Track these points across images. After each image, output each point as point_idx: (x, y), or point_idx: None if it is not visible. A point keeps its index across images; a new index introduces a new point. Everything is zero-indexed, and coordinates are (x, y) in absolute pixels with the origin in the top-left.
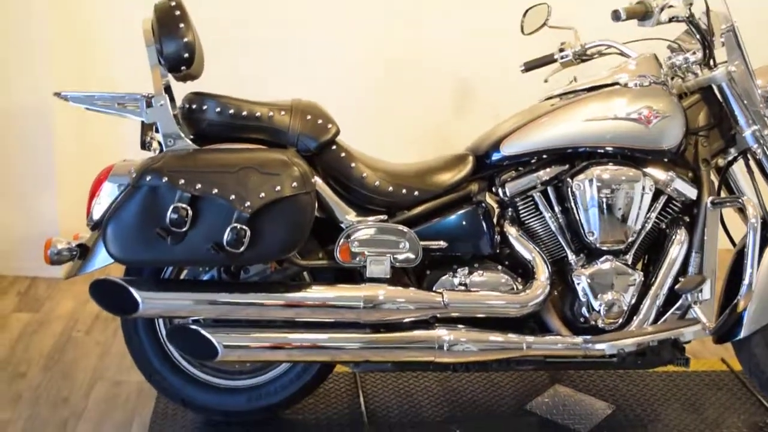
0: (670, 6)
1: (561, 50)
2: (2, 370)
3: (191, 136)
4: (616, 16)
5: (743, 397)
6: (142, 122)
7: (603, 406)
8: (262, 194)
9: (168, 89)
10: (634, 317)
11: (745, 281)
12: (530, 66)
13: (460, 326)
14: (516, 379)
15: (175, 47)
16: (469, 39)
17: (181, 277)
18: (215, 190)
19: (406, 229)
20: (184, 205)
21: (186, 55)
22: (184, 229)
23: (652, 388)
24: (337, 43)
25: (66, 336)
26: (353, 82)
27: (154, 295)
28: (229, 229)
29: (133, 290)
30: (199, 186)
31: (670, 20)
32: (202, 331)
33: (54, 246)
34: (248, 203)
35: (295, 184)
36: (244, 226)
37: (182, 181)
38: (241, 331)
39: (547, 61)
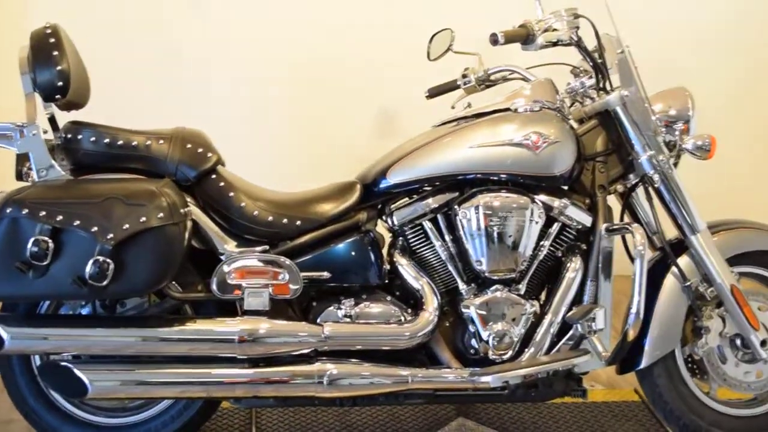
0: (554, 29)
1: (464, 76)
2: None
3: (71, 167)
4: (494, 40)
5: (651, 428)
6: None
7: None
8: (126, 226)
9: (52, 119)
10: (527, 348)
11: (633, 309)
12: (434, 92)
13: (343, 360)
14: (419, 412)
15: (48, 75)
16: (389, 60)
17: (60, 311)
18: (77, 222)
19: (285, 259)
20: (44, 238)
21: (60, 83)
22: (45, 263)
23: (558, 420)
24: (245, 67)
25: None
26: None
27: (21, 331)
28: (91, 262)
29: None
30: (60, 218)
31: (555, 44)
32: (73, 368)
33: None
34: (111, 235)
35: (161, 214)
36: (107, 259)
37: (43, 213)
38: (114, 367)
39: (450, 87)
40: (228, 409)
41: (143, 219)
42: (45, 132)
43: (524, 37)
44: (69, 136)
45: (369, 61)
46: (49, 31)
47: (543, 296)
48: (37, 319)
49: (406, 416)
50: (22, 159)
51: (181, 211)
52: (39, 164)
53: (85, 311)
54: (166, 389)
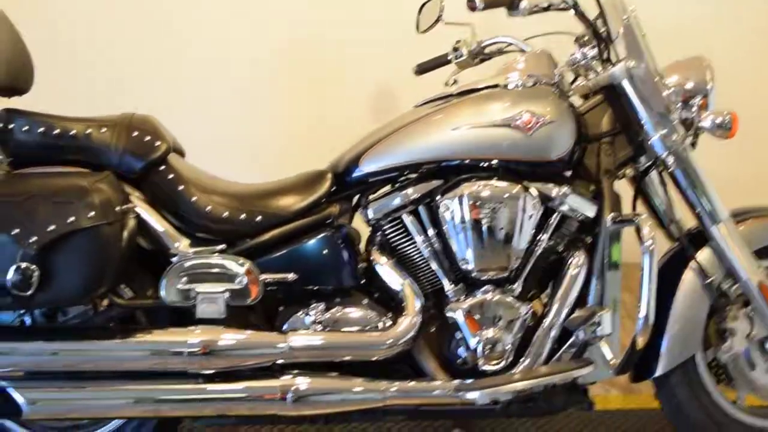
0: None
1: (455, 49)
2: None
3: (9, 160)
4: (472, 6)
5: None
6: None
7: None
8: (52, 227)
9: None
10: (522, 358)
11: (641, 314)
12: (423, 68)
13: (312, 373)
14: (414, 425)
15: None
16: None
17: None
18: None
19: (242, 260)
20: None
21: None
22: None
23: (567, 431)
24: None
25: None
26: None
27: None
28: (13, 268)
29: None
30: None
31: (547, 8)
32: (5, 386)
33: None
34: (34, 238)
35: (92, 213)
36: (31, 265)
37: None
38: (51, 384)
39: (440, 62)
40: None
41: (71, 219)
42: None
43: (509, 1)
44: (1, 125)
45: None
46: None
47: (543, 297)
48: None
49: (397, 427)
50: None
51: (117, 208)
52: None
53: (25, 320)
54: (110, 409)
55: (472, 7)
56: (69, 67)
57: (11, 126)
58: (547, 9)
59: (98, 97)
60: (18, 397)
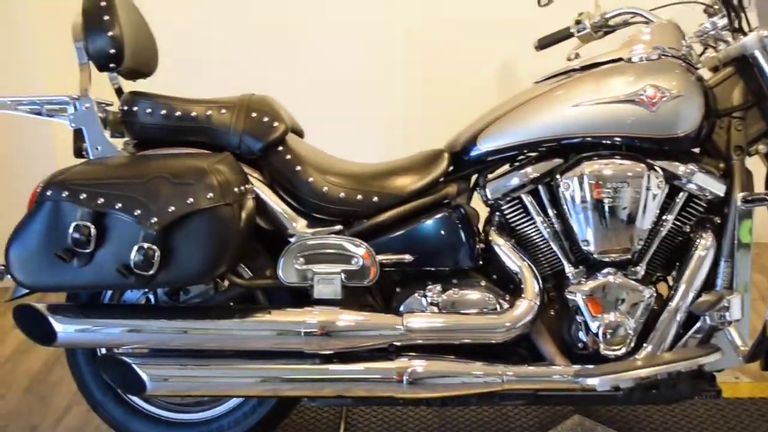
0: None
1: (578, 22)
2: None
3: (134, 142)
4: None
5: None
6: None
7: None
8: (172, 208)
9: (119, 90)
10: (645, 343)
11: None
12: (544, 43)
13: (428, 355)
14: (532, 410)
15: (100, 43)
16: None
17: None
18: (118, 205)
19: (358, 242)
20: (86, 223)
21: (112, 51)
22: (88, 250)
23: (692, 419)
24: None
25: (55, 357)
26: (372, 65)
27: (75, 323)
28: (136, 248)
29: (51, 318)
30: (101, 200)
31: None
32: (131, 363)
33: None
34: (155, 219)
35: (211, 194)
36: (152, 245)
37: (84, 196)
38: (174, 362)
39: (563, 36)
40: None
41: (191, 200)
42: (110, 104)
43: None
44: (126, 108)
45: (476, 16)
46: None
47: (669, 280)
48: (93, 309)
49: (515, 412)
50: (79, 135)
51: (236, 189)
52: (92, 140)
53: (149, 298)
54: (231, 388)
55: None
56: (193, 50)
57: (135, 108)
58: None
59: (222, 78)
60: (142, 374)
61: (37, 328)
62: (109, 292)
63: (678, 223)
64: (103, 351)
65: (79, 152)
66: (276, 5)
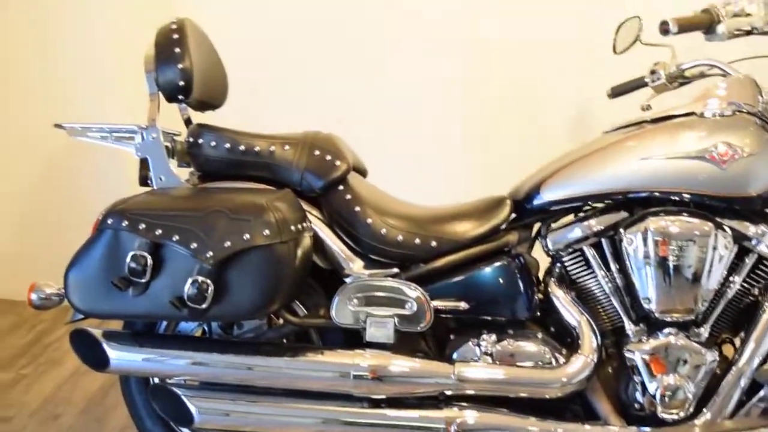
0: (746, 14)
1: (653, 72)
2: (41, 409)
3: (199, 174)
4: (665, 29)
5: None
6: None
7: None
8: (228, 243)
9: (188, 121)
10: (705, 408)
11: None
12: (617, 91)
13: (479, 406)
14: None
15: (170, 74)
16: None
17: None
18: (176, 237)
19: (414, 286)
20: (143, 253)
21: (182, 83)
22: (144, 280)
23: None
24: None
25: (112, 380)
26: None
27: (128, 351)
28: (190, 281)
29: (105, 345)
30: (159, 231)
31: (749, 33)
32: (180, 394)
33: (39, 290)
34: (210, 253)
35: (267, 231)
36: (206, 279)
37: (143, 226)
38: (223, 396)
39: (636, 85)
40: None
41: (247, 236)
42: (178, 135)
43: (706, 24)
44: (192, 140)
45: (550, 58)
46: (174, 26)
47: (735, 342)
48: (147, 338)
49: None
50: (144, 164)
51: (293, 227)
52: (156, 170)
53: (205, 329)
54: (279, 426)
55: (665, 30)
56: (266, 83)
57: (200, 141)
58: (749, 33)
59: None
60: (191, 406)
61: (91, 353)
62: (164, 322)
63: (746, 285)
64: (156, 380)
65: (143, 181)
66: (353, 44)
